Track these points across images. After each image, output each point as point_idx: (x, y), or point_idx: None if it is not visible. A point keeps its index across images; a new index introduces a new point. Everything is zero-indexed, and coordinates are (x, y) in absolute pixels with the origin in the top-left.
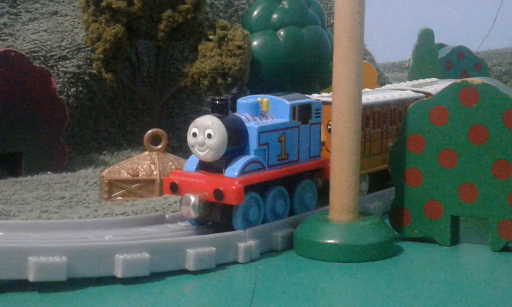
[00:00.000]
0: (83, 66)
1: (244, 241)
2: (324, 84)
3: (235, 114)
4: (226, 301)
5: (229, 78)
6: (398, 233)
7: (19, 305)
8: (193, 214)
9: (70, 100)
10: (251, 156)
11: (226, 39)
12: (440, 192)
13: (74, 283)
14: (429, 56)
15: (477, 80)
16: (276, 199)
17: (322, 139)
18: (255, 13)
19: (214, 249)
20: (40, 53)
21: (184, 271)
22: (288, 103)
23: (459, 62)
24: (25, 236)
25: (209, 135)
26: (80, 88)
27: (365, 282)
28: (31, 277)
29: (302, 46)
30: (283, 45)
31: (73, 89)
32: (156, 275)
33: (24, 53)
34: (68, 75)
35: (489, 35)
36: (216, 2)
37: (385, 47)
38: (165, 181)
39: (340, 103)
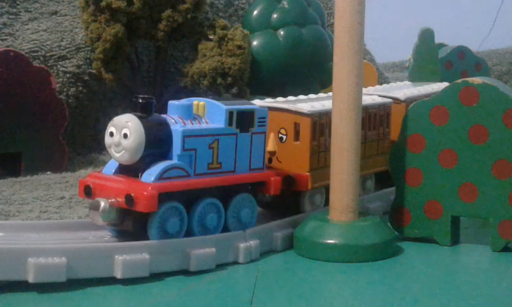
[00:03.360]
0: (83, 66)
1: (244, 241)
2: (324, 84)
3: (160, 115)
4: (226, 301)
5: (229, 78)
6: (398, 233)
7: (19, 305)
8: (101, 220)
9: (70, 100)
10: (173, 161)
11: (226, 39)
12: (440, 192)
13: (74, 283)
14: (429, 56)
15: (477, 80)
16: (207, 212)
17: (272, 149)
18: (255, 12)
19: (214, 249)
20: (39, 53)
21: (184, 271)
22: (224, 107)
23: (460, 62)
24: (25, 236)
25: (125, 135)
26: (80, 88)
27: (365, 282)
28: (31, 279)
29: (302, 46)
30: (283, 44)
31: (72, 89)
32: (156, 276)
33: (23, 53)
34: (67, 75)
35: (489, 35)
36: (216, 2)
37: (385, 46)
38: (80, 183)
39: (340, 103)
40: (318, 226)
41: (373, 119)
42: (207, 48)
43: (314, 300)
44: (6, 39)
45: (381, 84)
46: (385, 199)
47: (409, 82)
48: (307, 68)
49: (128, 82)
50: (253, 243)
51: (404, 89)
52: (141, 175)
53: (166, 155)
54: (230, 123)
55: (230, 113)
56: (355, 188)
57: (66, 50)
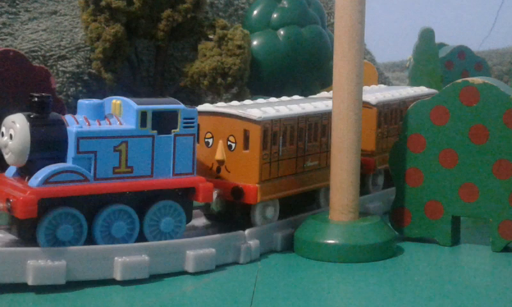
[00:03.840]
0: (82, 66)
1: (244, 242)
2: (324, 84)
3: (56, 114)
4: (226, 301)
5: (229, 78)
6: (398, 233)
7: (18, 306)
8: None
9: (70, 100)
10: (65, 164)
11: (226, 38)
12: (440, 192)
13: (73, 283)
14: (429, 56)
15: (477, 79)
16: (113, 220)
17: (220, 157)
18: (255, 12)
19: (213, 250)
20: (39, 52)
21: (183, 272)
22: (135, 107)
23: (460, 61)
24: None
25: (11, 136)
26: (80, 88)
27: (365, 282)
28: (30, 281)
29: (302, 45)
30: (283, 44)
31: (72, 89)
32: (156, 276)
33: (23, 52)
34: (67, 75)
35: (489, 35)
36: (216, 2)
37: (386, 46)
38: None
39: (340, 103)
40: (318, 226)
41: (314, 130)
42: (207, 48)
43: (314, 300)
44: (5, 39)
45: (381, 83)
46: (385, 199)
47: (384, 86)
48: (307, 68)
49: (128, 82)
50: (253, 243)
51: (376, 93)
52: (28, 179)
53: (63, 157)
54: (143, 124)
55: (143, 113)
56: (355, 188)
57: (66, 49)
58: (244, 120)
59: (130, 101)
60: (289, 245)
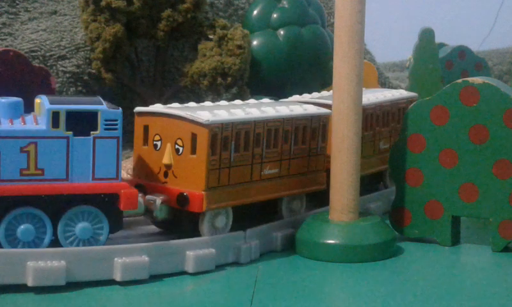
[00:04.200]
0: (82, 66)
1: (244, 242)
2: (324, 84)
3: None
4: (226, 301)
5: (229, 78)
6: (398, 233)
7: (17, 305)
8: None
9: None
10: None
11: (226, 38)
12: (440, 192)
13: (73, 284)
14: (429, 56)
15: (477, 79)
16: (20, 223)
17: (168, 161)
18: (255, 12)
19: (213, 250)
20: (39, 52)
21: (183, 272)
22: (47, 106)
23: (460, 61)
24: None
25: None
26: (80, 88)
27: (365, 282)
28: (30, 282)
29: (302, 45)
30: (282, 44)
31: (72, 89)
32: (156, 276)
33: (23, 52)
34: (67, 75)
35: (490, 35)
36: (216, 2)
37: (385, 46)
38: None
39: (340, 103)
40: (318, 226)
41: (274, 135)
42: (207, 48)
43: (314, 300)
44: (5, 39)
45: (381, 83)
46: (385, 199)
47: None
48: (307, 68)
49: (128, 82)
50: (253, 243)
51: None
52: None
53: None
54: (55, 125)
55: (55, 113)
56: (355, 188)
57: (66, 49)
58: (192, 123)
59: (45, 100)
60: (289, 245)
